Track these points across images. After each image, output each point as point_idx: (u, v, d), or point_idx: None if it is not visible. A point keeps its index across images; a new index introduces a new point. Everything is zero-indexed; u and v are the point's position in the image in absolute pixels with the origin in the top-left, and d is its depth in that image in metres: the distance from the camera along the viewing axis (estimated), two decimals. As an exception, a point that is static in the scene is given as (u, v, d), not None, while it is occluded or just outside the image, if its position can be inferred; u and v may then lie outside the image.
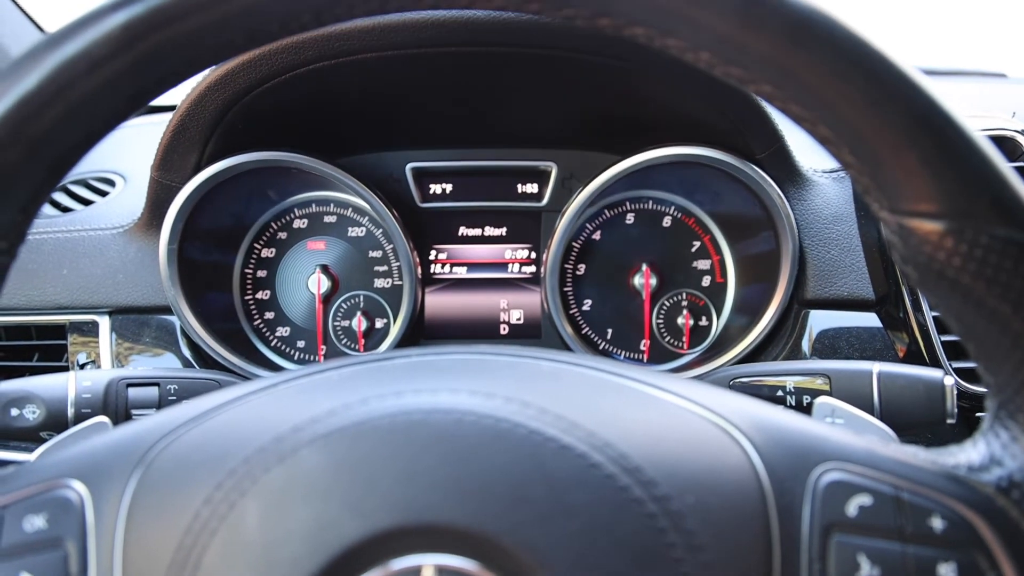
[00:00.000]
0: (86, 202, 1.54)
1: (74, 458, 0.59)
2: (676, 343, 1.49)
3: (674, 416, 0.58)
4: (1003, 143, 1.30)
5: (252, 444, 0.55)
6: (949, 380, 0.94)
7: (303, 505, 0.52)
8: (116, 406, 1.00)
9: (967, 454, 0.57)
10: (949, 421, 0.93)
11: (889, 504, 0.54)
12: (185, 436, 0.58)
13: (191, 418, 0.59)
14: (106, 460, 0.58)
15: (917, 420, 0.93)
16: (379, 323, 1.50)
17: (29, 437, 0.98)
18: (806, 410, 0.97)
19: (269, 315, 1.49)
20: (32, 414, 0.97)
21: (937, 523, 0.54)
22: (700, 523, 0.52)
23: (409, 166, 1.48)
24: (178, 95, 1.23)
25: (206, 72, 1.19)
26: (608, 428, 0.55)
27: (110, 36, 0.50)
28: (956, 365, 1.21)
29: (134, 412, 1.00)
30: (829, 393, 0.96)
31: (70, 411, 0.98)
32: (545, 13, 0.53)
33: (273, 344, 1.49)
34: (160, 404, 1.02)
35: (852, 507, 0.54)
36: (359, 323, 1.48)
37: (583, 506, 0.51)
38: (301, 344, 1.50)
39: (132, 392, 1.01)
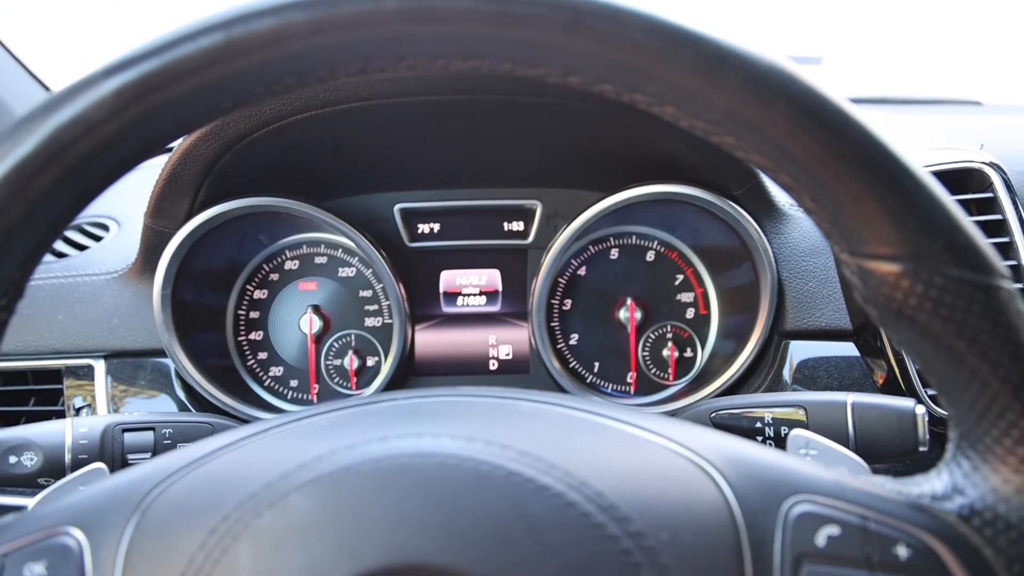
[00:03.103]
0: (80, 247, 1.56)
1: (72, 506, 0.60)
2: (662, 375, 1.51)
3: (649, 453, 0.60)
4: (971, 175, 1.33)
5: (244, 490, 0.57)
6: (920, 409, 0.96)
7: (294, 548, 0.54)
8: (112, 451, 1.01)
9: (931, 484, 0.60)
10: (921, 449, 0.95)
11: (856, 534, 0.56)
12: (179, 482, 0.60)
13: (184, 464, 0.61)
14: (103, 507, 0.60)
15: (891, 449, 0.95)
16: (370, 361, 1.52)
17: (27, 483, 0.99)
18: (783, 441, 0.99)
19: (262, 355, 1.51)
20: (30, 461, 0.98)
21: (902, 551, 0.56)
22: (674, 557, 0.54)
23: (397, 207, 1.51)
24: (170, 143, 1.26)
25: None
26: (584, 467, 0.57)
27: (103, 101, 0.52)
28: (931, 392, 1.23)
29: (130, 457, 1.02)
30: (806, 424, 0.98)
31: (67, 457, 0.99)
32: (517, 73, 0.56)
33: (267, 384, 1.51)
34: (155, 448, 1.03)
35: (821, 537, 0.56)
36: (351, 362, 1.50)
37: (561, 544, 0.53)
38: (294, 383, 1.52)
39: (128, 437, 1.02)
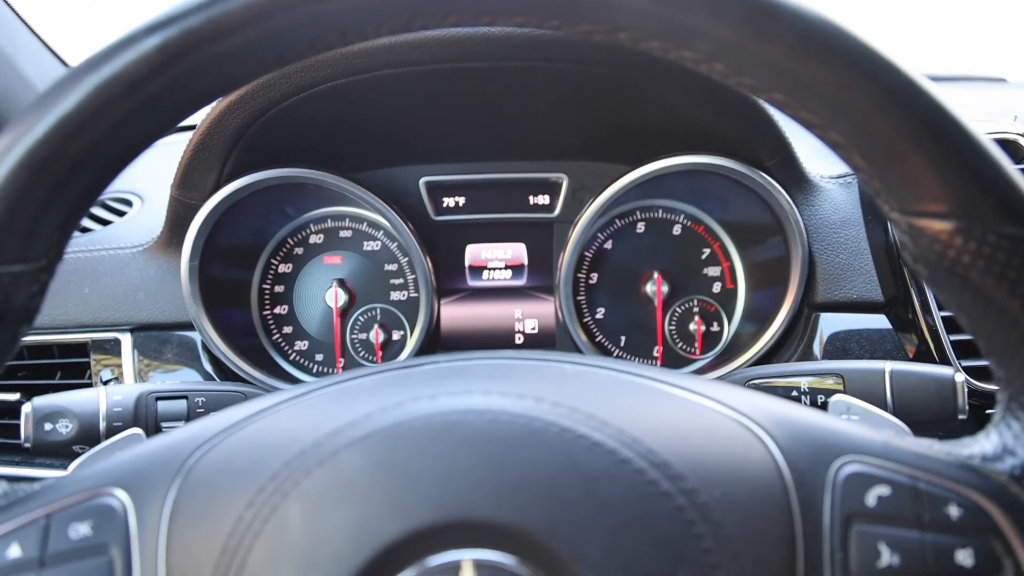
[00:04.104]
0: (104, 222, 1.56)
1: (115, 467, 0.61)
2: (689, 349, 1.51)
3: (698, 414, 0.60)
4: (1005, 146, 1.32)
5: (292, 448, 0.57)
6: (960, 377, 0.95)
7: (344, 505, 0.54)
8: (146, 419, 1.02)
9: (980, 445, 0.59)
10: (960, 417, 0.95)
11: (907, 494, 0.56)
12: (222, 444, 0.60)
13: (227, 427, 0.61)
14: (146, 469, 0.60)
15: (930, 417, 0.94)
16: (396, 335, 1.52)
17: (62, 451, 1.00)
18: (821, 408, 0.98)
19: (287, 329, 1.52)
20: (65, 428, 0.99)
21: (954, 511, 0.56)
22: (727, 515, 0.54)
23: (423, 180, 1.50)
24: (197, 115, 1.26)
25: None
26: (636, 425, 0.57)
27: (146, 58, 0.52)
28: (966, 364, 1.22)
29: (164, 425, 1.02)
30: (843, 392, 0.98)
31: (102, 425, 1.00)
32: (564, 29, 0.56)
33: (292, 358, 1.52)
34: (188, 416, 1.04)
35: (871, 498, 0.56)
36: (376, 335, 1.50)
37: (615, 500, 0.53)
38: (319, 357, 1.52)
39: (161, 405, 1.03)
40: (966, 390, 0.95)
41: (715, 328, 1.51)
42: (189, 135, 1.30)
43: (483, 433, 0.56)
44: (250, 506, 0.55)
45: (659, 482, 0.54)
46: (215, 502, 0.56)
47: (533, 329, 1.56)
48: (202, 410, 1.05)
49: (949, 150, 0.52)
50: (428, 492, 0.54)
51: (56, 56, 1.95)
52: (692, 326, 1.50)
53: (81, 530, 0.57)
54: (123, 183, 1.67)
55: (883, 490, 0.56)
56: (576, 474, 0.54)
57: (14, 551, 0.56)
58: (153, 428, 1.02)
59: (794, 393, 1.01)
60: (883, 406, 0.95)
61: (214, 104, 1.24)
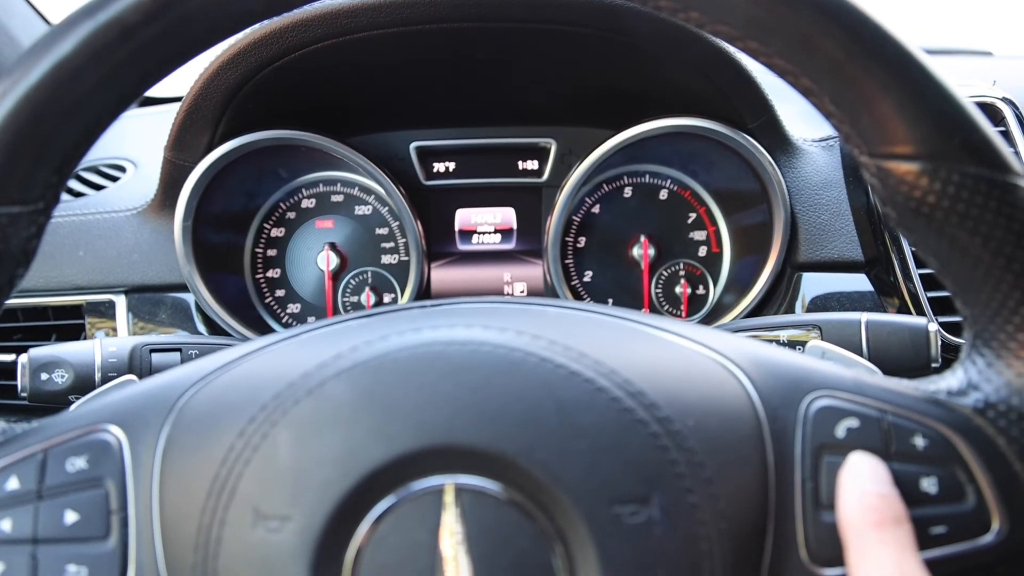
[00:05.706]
0: (98, 187, 1.57)
1: (110, 405, 0.62)
2: (675, 312, 1.53)
3: (674, 351, 0.62)
4: (984, 109, 1.33)
5: (281, 381, 0.59)
6: (933, 327, 0.98)
7: (331, 432, 0.56)
8: (140, 370, 1.03)
9: (947, 381, 0.62)
10: (934, 365, 0.97)
11: (875, 426, 0.58)
12: (214, 382, 0.62)
13: (220, 366, 0.63)
14: (141, 406, 0.61)
15: (903, 365, 0.97)
16: (387, 298, 1.54)
17: (58, 400, 1.02)
18: None
19: (280, 293, 1.53)
20: (61, 378, 1.00)
21: (919, 442, 0.58)
22: (700, 443, 0.56)
23: (413, 145, 1.52)
24: (189, 79, 1.27)
25: (218, 51, 1.22)
26: (613, 358, 0.59)
27: (139, 5, 0.54)
28: (942, 320, 1.25)
29: (158, 376, 1.04)
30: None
31: (97, 375, 1.02)
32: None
33: (284, 321, 1.53)
34: (182, 369, 1.06)
35: (841, 429, 0.58)
36: (368, 298, 1.52)
37: (591, 426, 0.55)
38: (312, 319, 1.53)
39: (155, 357, 1.05)
40: (939, 340, 0.97)
41: (701, 291, 1.53)
42: (182, 99, 1.30)
43: (465, 363, 0.58)
44: (241, 435, 0.57)
45: (634, 410, 0.56)
46: (207, 435, 0.58)
47: (522, 292, 1.58)
48: (196, 363, 1.07)
49: (915, 94, 0.54)
50: (412, 419, 0.55)
51: (42, 17, 1.95)
52: (678, 289, 1.52)
53: (78, 464, 0.59)
54: (116, 149, 1.68)
55: (852, 422, 0.59)
56: (554, 402, 0.56)
57: (12, 484, 0.58)
58: (148, 379, 1.04)
59: (773, 344, 1.03)
60: (859, 355, 0.97)
61: (206, 64, 1.25)
